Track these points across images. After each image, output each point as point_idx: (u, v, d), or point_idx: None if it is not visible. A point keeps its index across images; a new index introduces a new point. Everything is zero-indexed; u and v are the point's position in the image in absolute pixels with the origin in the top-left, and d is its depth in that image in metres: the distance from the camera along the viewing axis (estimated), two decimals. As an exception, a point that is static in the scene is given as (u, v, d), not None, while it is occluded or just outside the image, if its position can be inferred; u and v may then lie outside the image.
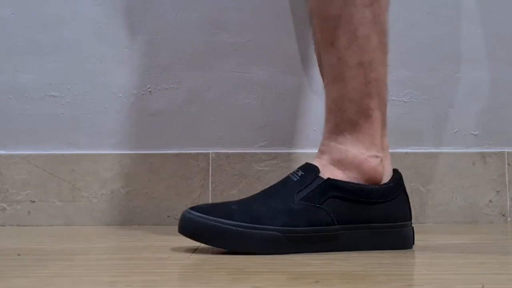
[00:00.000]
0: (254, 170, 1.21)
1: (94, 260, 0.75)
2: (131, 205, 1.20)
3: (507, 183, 1.21)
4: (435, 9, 1.25)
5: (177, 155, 1.21)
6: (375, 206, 0.80)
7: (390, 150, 1.14)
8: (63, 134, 1.23)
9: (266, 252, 0.76)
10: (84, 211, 1.20)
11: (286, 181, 0.81)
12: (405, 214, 0.83)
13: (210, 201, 1.19)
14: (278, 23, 1.23)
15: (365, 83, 0.78)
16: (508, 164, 1.22)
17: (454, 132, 1.24)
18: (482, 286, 0.55)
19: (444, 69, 1.25)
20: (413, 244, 0.84)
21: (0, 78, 1.23)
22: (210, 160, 1.21)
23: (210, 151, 1.22)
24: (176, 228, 0.80)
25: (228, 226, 0.76)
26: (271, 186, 0.82)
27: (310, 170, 0.80)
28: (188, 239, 0.78)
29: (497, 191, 1.21)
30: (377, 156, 0.80)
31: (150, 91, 1.23)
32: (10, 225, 1.20)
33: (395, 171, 0.84)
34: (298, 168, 0.81)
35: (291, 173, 0.81)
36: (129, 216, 1.20)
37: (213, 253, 0.77)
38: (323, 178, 0.78)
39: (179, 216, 0.80)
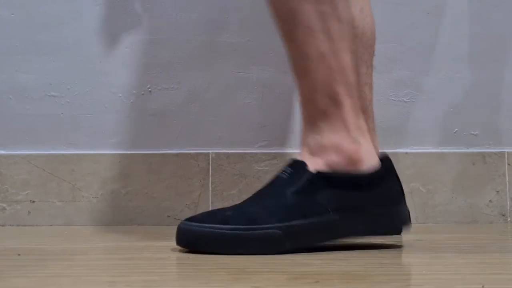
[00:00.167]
0: (254, 170, 1.21)
1: (94, 260, 0.75)
2: (131, 205, 1.20)
3: (507, 183, 1.21)
4: (435, 9, 1.25)
5: (177, 155, 1.22)
6: (367, 192, 0.80)
7: (390, 150, 1.14)
8: (63, 134, 1.23)
9: (266, 252, 0.76)
10: (84, 211, 1.20)
11: (276, 180, 0.81)
12: (397, 195, 0.83)
13: (210, 201, 1.19)
14: (278, 23, 1.23)
15: (329, 73, 0.80)
16: (508, 164, 1.22)
17: (454, 132, 1.24)
18: (482, 286, 0.55)
19: (444, 69, 1.25)
20: (410, 224, 0.84)
21: (0, 78, 1.23)
22: (210, 160, 1.21)
23: (210, 151, 1.22)
24: (176, 228, 0.80)
25: (225, 231, 0.76)
26: (262, 188, 0.82)
27: (298, 165, 0.81)
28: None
29: (497, 191, 1.21)
30: (353, 139, 0.81)
31: (150, 91, 1.23)
32: (10, 225, 1.20)
33: (384, 156, 0.84)
34: (286, 165, 0.82)
35: (280, 172, 0.82)
36: (129, 216, 1.20)
37: (213, 253, 0.77)
38: (312, 171, 0.79)
39: (179, 216, 0.81)
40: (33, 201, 1.20)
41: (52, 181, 1.20)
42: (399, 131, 1.23)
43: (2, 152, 1.22)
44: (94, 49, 1.23)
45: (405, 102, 1.24)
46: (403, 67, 1.24)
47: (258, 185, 1.19)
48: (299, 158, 0.82)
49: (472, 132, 1.24)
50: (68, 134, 1.23)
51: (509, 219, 1.21)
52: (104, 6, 1.24)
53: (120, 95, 1.23)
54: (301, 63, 0.81)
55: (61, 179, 1.20)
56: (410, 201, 1.20)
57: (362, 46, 1.02)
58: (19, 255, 0.77)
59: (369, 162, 0.81)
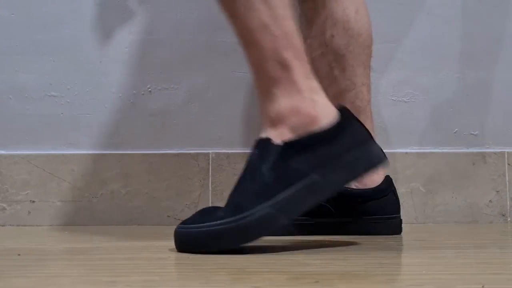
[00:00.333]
0: (254, 170, 1.21)
1: (94, 260, 0.75)
2: (131, 205, 1.20)
3: (507, 183, 1.21)
4: (435, 9, 1.25)
5: (177, 155, 1.21)
6: (336, 143, 0.82)
7: (390, 150, 1.14)
8: (63, 134, 1.23)
9: (267, 234, 0.77)
10: (84, 211, 1.20)
11: (249, 164, 0.81)
12: (365, 136, 0.84)
13: (210, 201, 1.19)
14: (278, 23, 1.22)
15: (275, 40, 0.82)
16: (508, 164, 1.22)
17: (454, 132, 1.24)
18: (482, 286, 0.55)
19: (444, 69, 1.25)
20: (387, 160, 0.85)
21: (0, 78, 1.23)
22: (210, 160, 1.21)
23: (210, 151, 1.22)
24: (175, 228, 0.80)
25: (222, 226, 0.76)
26: (239, 177, 0.82)
27: (263, 143, 0.81)
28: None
29: (497, 191, 1.21)
30: (308, 99, 0.82)
31: (150, 91, 1.23)
32: (10, 225, 1.20)
33: (341, 106, 0.85)
34: (253, 148, 0.82)
35: (249, 156, 0.82)
36: (129, 216, 1.20)
37: (213, 253, 0.77)
38: (279, 143, 0.80)
39: (179, 216, 0.81)
40: (33, 201, 1.20)
41: (52, 181, 1.20)
42: (399, 131, 1.23)
43: (2, 152, 1.22)
44: (94, 49, 1.23)
45: (405, 102, 1.24)
46: (403, 67, 1.24)
47: (258, 185, 1.19)
48: (263, 136, 0.82)
49: (472, 132, 1.24)
50: (68, 134, 1.23)
51: (509, 219, 1.21)
52: (104, 6, 1.24)
53: (120, 95, 1.23)
54: (246, 35, 0.83)
55: (61, 179, 1.20)
56: (410, 201, 1.20)
57: (359, 47, 1.03)
58: (19, 255, 0.77)
59: (328, 116, 0.82)
